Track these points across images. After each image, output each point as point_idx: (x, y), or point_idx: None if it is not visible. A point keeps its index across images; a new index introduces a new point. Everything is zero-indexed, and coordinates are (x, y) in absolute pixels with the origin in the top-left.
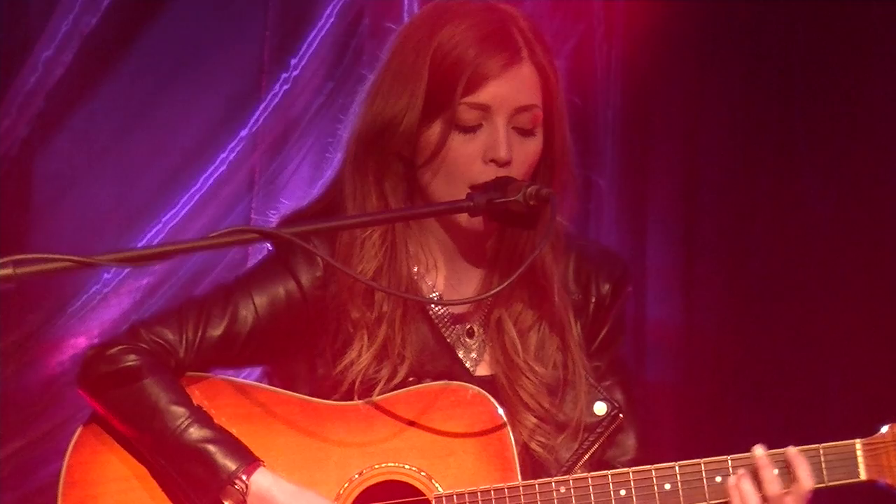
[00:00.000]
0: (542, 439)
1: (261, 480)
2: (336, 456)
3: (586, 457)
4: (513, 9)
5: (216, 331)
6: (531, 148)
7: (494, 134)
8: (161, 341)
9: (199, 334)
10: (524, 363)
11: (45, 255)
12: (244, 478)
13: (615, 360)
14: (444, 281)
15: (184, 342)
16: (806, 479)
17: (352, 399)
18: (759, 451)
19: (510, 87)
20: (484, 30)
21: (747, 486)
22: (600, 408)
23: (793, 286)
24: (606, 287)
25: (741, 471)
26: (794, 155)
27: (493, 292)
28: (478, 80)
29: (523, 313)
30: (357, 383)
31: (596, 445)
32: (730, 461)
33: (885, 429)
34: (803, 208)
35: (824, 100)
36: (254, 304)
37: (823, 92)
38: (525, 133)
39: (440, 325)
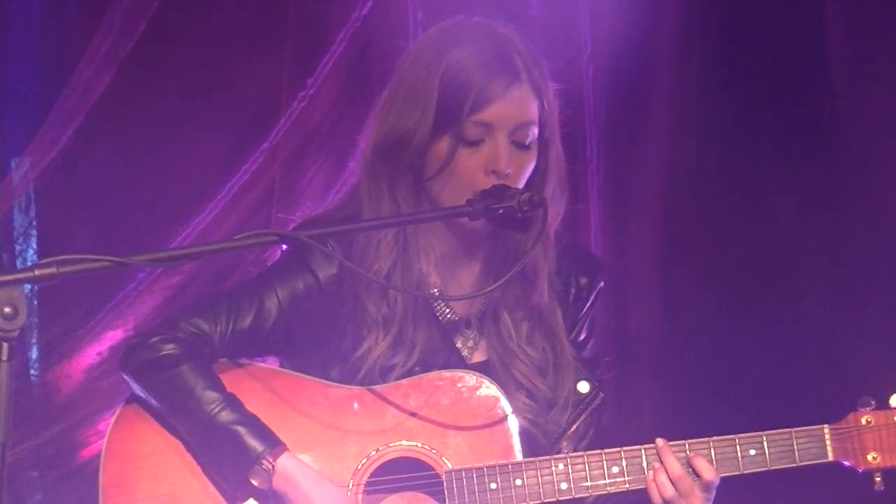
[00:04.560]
0: (531, 416)
1: (286, 463)
2: (354, 435)
3: (571, 430)
4: (512, 33)
5: (245, 321)
6: (527, 160)
7: (496, 149)
8: (197, 331)
9: (231, 325)
10: (518, 348)
11: (86, 256)
12: (270, 459)
13: (583, 360)
14: (445, 278)
15: (217, 332)
16: (707, 471)
17: (372, 383)
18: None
19: (511, 107)
20: (488, 55)
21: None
22: (584, 386)
23: (769, 287)
24: (584, 280)
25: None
26: (773, 164)
27: (492, 288)
28: (483, 101)
29: (517, 305)
30: (376, 368)
31: (580, 420)
32: (711, 443)
33: (849, 416)
34: (780, 213)
35: (797, 112)
36: (277, 297)
37: (796, 104)
38: (522, 147)
39: (441, 317)
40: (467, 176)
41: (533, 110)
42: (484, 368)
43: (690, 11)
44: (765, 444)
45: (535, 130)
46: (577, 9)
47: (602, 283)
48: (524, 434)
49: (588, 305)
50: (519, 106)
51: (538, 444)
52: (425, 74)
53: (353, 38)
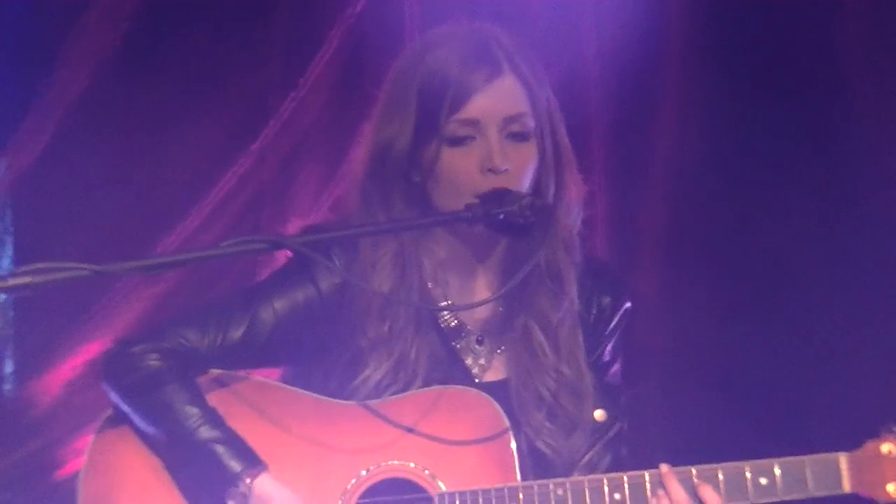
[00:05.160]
0: (549, 439)
1: (264, 484)
2: (345, 453)
3: (584, 459)
4: (494, 28)
5: (237, 332)
6: (525, 154)
7: (487, 145)
8: (184, 341)
9: (221, 335)
10: (552, 363)
11: (64, 265)
12: (248, 480)
13: (604, 386)
14: (455, 294)
15: (206, 342)
16: (713, 500)
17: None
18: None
19: (495, 100)
20: (465, 50)
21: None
22: (600, 414)
23: (784, 298)
24: (606, 300)
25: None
26: (781, 170)
27: (491, 298)
28: (463, 97)
29: (545, 318)
30: (371, 396)
31: (593, 450)
32: (719, 470)
33: (867, 444)
34: (795, 220)
35: (811, 114)
36: (273, 308)
37: (810, 106)
38: (519, 140)
39: (450, 335)
40: (464, 179)
41: (522, 102)
42: (498, 388)
43: (700, 7)
44: (776, 472)
45: (529, 122)
46: (583, 3)
47: (629, 304)
48: (540, 459)
49: (612, 327)
50: (504, 98)
51: (554, 471)
52: (403, 83)
53: (346, 36)
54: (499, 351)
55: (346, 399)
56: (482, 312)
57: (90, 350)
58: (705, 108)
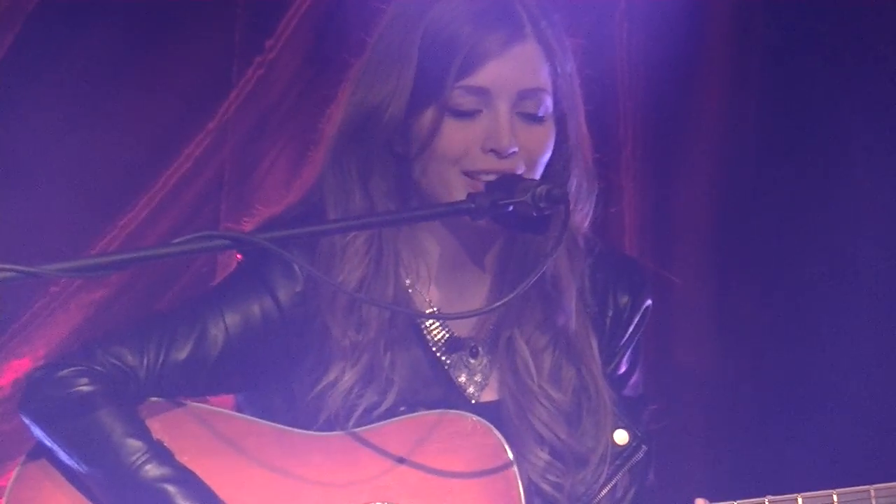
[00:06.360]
0: (554, 477)
1: None
2: (316, 495)
3: (604, 492)
4: None
5: (181, 353)
6: (539, 136)
7: (495, 121)
8: (119, 363)
9: (162, 357)
10: (539, 388)
11: None
12: None
13: (623, 401)
14: (441, 295)
15: (145, 365)
16: None
17: (331, 430)
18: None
19: (512, 68)
20: (481, 3)
21: None
22: (621, 436)
23: (848, 307)
24: (625, 299)
25: None
26: (852, 152)
27: (495, 306)
28: (475, 61)
29: (536, 331)
30: (338, 410)
31: (615, 479)
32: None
33: None
34: (865, 217)
35: (863, 106)
36: (224, 323)
37: (860, 99)
38: (532, 119)
39: (435, 347)
40: (458, 153)
41: (542, 75)
42: (494, 410)
43: None
44: (835, 502)
45: (547, 100)
46: None
47: (649, 302)
48: (544, 501)
49: (630, 331)
50: (523, 67)
51: None
52: (402, 35)
53: None
54: (498, 367)
55: (308, 416)
56: (474, 319)
57: (17, 367)
58: (762, 76)
